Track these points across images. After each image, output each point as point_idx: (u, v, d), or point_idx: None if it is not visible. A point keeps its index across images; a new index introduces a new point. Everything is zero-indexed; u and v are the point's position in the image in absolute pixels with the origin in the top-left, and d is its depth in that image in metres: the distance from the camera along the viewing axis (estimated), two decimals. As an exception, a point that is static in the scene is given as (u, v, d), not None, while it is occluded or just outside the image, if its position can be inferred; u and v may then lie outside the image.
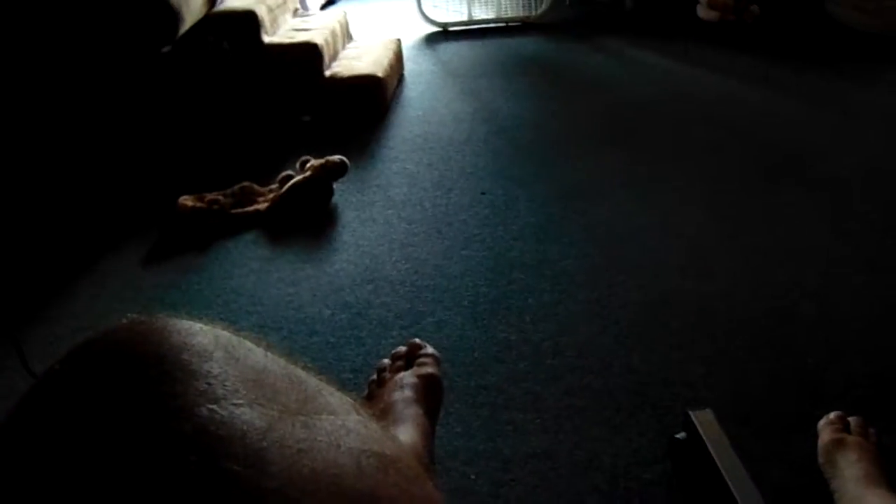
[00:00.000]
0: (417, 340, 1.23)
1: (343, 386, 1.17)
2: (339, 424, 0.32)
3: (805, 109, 2.83)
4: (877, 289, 1.70)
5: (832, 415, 1.26)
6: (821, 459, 1.21)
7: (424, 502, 0.31)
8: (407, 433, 1.02)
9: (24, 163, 2.30)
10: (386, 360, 1.21)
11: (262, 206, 2.20)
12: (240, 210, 2.19)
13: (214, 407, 0.28)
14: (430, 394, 1.13)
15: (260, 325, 1.70)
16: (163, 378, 0.29)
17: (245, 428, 0.27)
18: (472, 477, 1.28)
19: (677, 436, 1.26)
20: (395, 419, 1.05)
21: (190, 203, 2.16)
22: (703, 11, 3.93)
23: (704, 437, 1.19)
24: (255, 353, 0.34)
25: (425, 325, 1.66)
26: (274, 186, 2.26)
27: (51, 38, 2.35)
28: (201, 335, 0.34)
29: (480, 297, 1.75)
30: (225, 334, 0.35)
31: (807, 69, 3.24)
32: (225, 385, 0.29)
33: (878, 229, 1.96)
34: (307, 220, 2.14)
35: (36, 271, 1.98)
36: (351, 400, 0.37)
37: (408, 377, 1.13)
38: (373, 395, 1.15)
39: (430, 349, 1.20)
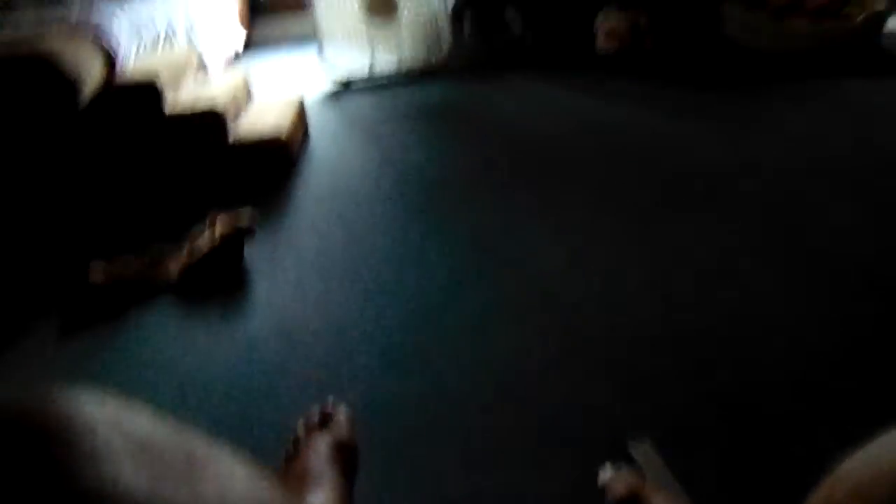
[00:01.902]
0: (330, 402, 1.25)
1: (263, 445, 1.19)
2: (226, 486, 0.33)
3: (706, 129, 2.96)
4: (786, 305, 1.77)
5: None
6: None
7: None
8: (324, 496, 1.04)
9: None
10: (300, 429, 1.23)
11: (174, 269, 2.20)
12: (153, 274, 2.19)
13: (99, 471, 0.30)
14: (345, 455, 1.16)
15: (179, 392, 1.69)
16: (50, 446, 0.31)
17: (128, 491, 0.29)
18: (398, 524, 1.30)
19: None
20: (311, 483, 1.07)
21: (101, 269, 2.15)
22: (601, 42, 4.06)
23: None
24: (142, 420, 0.36)
25: (342, 376, 1.67)
26: (185, 246, 2.27)
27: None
28: (88, 404, 0.35)
29: (395, 344, 1.78)
30: (112, 402, 0.37)
31: (707, 91, 3.41)
32: (109, 451, 0.31)
33: (784, 244, 2.04)
34: (220, 283, 2.15)
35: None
36: (250, 464, 0.39)
37: (322, 440, 1.15)
38: (290, 460, 1.17)
39: (342, 409, 1.23)
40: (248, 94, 3.38)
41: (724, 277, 1.92)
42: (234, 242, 2.22)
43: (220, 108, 2.87)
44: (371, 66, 4.08)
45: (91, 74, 2.57)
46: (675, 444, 1.36)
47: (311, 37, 4.11)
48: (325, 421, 1.21)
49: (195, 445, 0.35)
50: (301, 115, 3.32)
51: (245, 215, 2.23)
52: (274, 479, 0.39)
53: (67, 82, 2.46)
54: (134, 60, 2.93)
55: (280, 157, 2.91)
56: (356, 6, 4.02)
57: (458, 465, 1.40)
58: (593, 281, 1.97)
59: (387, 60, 4.11)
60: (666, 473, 1.25)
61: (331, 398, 1.37)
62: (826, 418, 1.39)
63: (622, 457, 1.32)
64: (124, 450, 0.32)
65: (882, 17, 3.76)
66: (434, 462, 1.42)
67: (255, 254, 2.27)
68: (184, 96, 3.01)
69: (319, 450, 1.13)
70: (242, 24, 4.80)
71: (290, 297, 2.04)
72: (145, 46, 3.09)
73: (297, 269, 2.17)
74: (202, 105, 2.88)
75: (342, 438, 1.17)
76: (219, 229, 2.22)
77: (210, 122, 2.85)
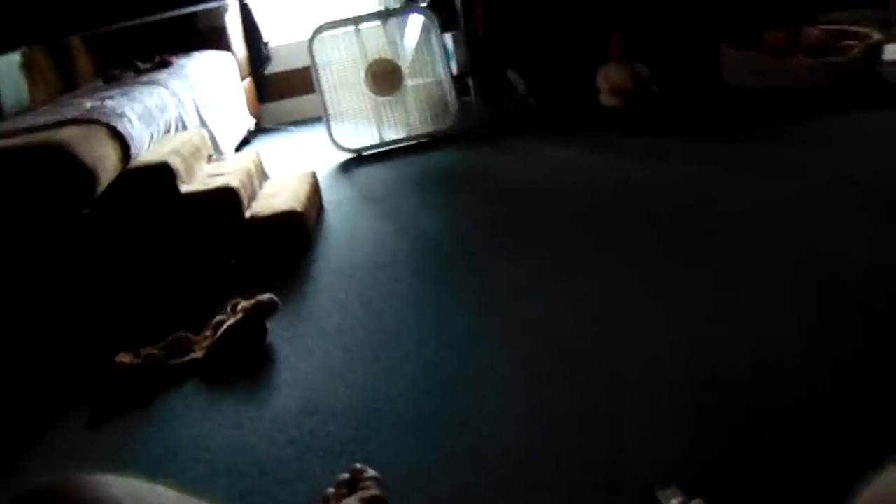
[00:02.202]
0: (359, 465, 1.27)
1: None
2: None
3: (714, 175, 2.99)
4: (804, 346, 1.78)
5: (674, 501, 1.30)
6: None
7: None
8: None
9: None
10: (330, 490, 1.24)
11: (198, 354, 2.23)
12: (177, 361, 2.22)
13: None
14: None
15: (209, 473, 1.71)
16: None
17: None
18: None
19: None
20: None
21: (127, 360, 2.18)
22: (605, 99, 4.12)
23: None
24: (166, 498, 0.38)
25: (371, 448, 1.69)
26: (208, 333, 2.30)
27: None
28: (113, 486, 0.38)
29: (422, 412, 1.79)
30: (136, 483, 0.39)
31: (713, 137, 3.45)
32: None
33: (789, 283, 2.06)
34: (244, 363, 2.18)
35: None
36: None
37: (353, 502, 1.17)
38: None
39: (371, 472, 1.24)
40: (262, 173, 3.44)
41: (740, 321, 1.93)
42: (256, 318, 2.24)
43: (234, 184, 2.92)
44: (380, 137, 4.14)
45: (106, 161, 2.62)
46: (701, 488, 1.37)
47: (318, 115, 4.17)
48: (355, 483, 1.23)
49: None
50: (315, 189, 3.37)
51: (266, 297, 2.26)
52: None
53: (84, 170, 2.51)
54: (148, 146, 2.99)
55: (296, 230, 2.95)
56: (361, 84, 4.09)
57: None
58: (608, 333, 1.98)
59: (395, 130, 4.17)
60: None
61: (358, 464, 1.39)
62: (848, 457, 1.39)
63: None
64: None
65: (878, 48, 3.80)
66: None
67: (277, 332, 2.30)
68: (198, 177, 3.06)
69: None
70: (251, 107, 4.89)
71: (314, 373, 2.06)
72: (159, 132, 3.16)
73: (319, 345, 2.20)
74: (217, 183, 2.93)
75: (372, 499, 1.18)
76: (241, 307, 2.25)
77: (225, 199, 2.89)
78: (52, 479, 0.37)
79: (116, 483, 0.37)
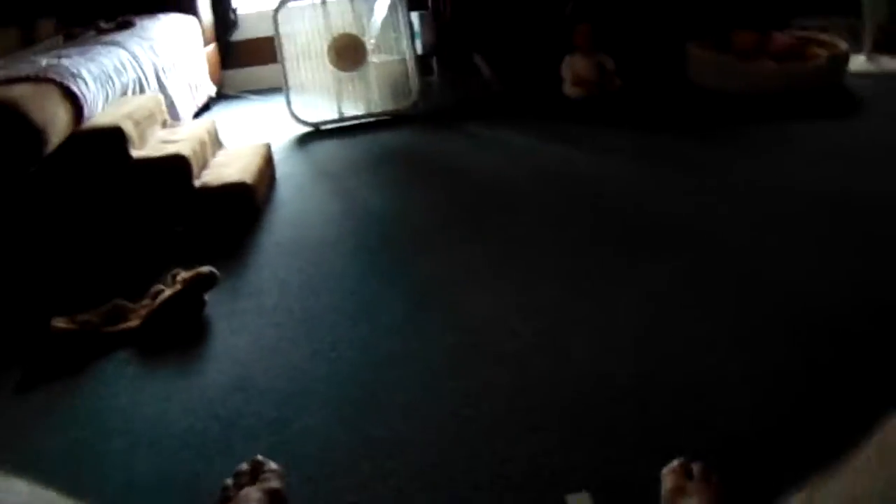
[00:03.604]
0: (260, 457, 1.28)
1: (210, 499, 1.22)
2: None
3: (670, 176, 3.03)
4: (738, 354, 1.82)
5: (675, 462, 1.34)
6: None
7: None
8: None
9: None
10: (229, 480, 1.26)
11: (134, 323, 2.23)
12: (112, 328, 2.21)
13: None
14: None
15: (131, 443, 1.72)
16: None
17: None
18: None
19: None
20: None
21: (62, 325, 2.18)
22: (568, 89, 4.14)
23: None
24: (18, 492, 0.39)
25: (294, 430, 1.71)
26: (146, 302, 2.30)
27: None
28: None
29: (347, 397, 1.81)
30: (20, 487, 0.40)
31: (672, 136, 3.50)
32: None
33: (743, 291, 2.10)
34: (179, 334, 2.18)
35: None
36: None
37: (252, 493, 1.18)
38: None
39: (272, 464, 1.26)
40: (216, 142, 3.42)
41: (675, 325, 1.96)
42: (195, 291, 2.25)
43: (186, 152, 2.91)
44: (339, 112, 4.13)
45: (57, 121, 2.60)
46: (613, 497, 1.40)
47: (280, 86, 4.15)
48: (255, 474, 1.24)
49: None
50: (268, 161, 3.37)
51: (206, 269, 2.26)
52: None
53: (33, 129, 2.49)
54: (102, 108, 2.96)
55: (245, 203, 2.95)
56: (324, 56, 4.08)
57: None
58: (541, 330, 2.01)
59: (355, 106, 4.16)
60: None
61: (259, 456, 1.41)
62: (781, 466, 1.43)
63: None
64: None
65: (845, 58, 3.84)
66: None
67: (215, 305, 2.30)
68: (152, 142, 3.05)
69: (250, 498, 1.16)
70: (213, 74, 4.85)
71: (246, 349, 2.07)
72: (115, 94, 3.13)
73: (255, 321, 2.21)
74: (168, 150, 2.92)
75: (272, 491, 1.20)
76: (180, 278, 2.26)
77: (176, 167, 2.88)
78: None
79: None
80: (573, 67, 4.12)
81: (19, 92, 2.57)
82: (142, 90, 3.48)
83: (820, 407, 1.60)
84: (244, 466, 1.27)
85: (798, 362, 1.76)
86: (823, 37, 4.08)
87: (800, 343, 1.83)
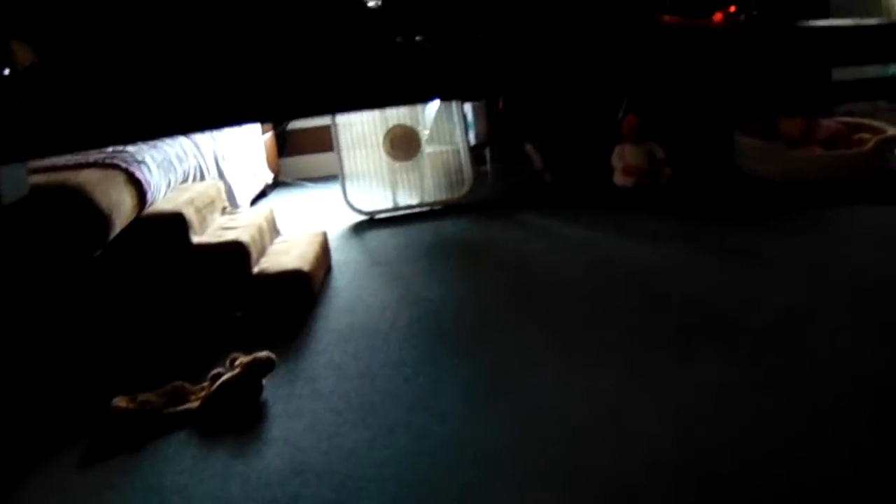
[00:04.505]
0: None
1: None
2: None
3: (720, 264, 3.05)
4: (791, 438, 1.81)
5: None
6: None
7: None
8: None
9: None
10: None
11: (193, 404, 2.27)
12: (172, 409, 2.26)
13: None
14: None
15: (191, 526, 1.75)
16: None
17: None
18: None
19: None
20: None
21: (123, 405, 2.23)
22: (619, 178, 4.17)
23: None
24: None
25: (351, 516, 1.73)
26: (205, 384, 2.34)
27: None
28: None
29: (404, 483, 1.82)
30: None
31: (721, 224, 3.52)
32: None
33: (794, 375, 2.10)
34: (237, 417, 2.22)
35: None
36: None
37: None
38: None
39: None
40: (274, 229, 3.50)
41: (730, 413, 1.96)
42: (253, 375, 2.29)
43: (245, 239, 2.98)
44: (394, 202, 4.21)
45: (122, 207, 2.68)
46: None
47: (335, 174, 4.24)
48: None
49: None
50: (324, 249, 3.43)
51: (263, 355, 2.31)
52: None
53: (99, 214, 2.56)
54: (164, 194, 3.05)
55: (302, 290, 3.00)
56: (379, 146, 4.17)
57: None
58: (604, 419, 2.01)
59: (409, 196, 4.23)
60: None
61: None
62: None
63: None
64: None
65: (893, 143, 3.84)
66: None
67: (272, 389, 2.34)
68: (211, 229, 3.13)
69: None
70: (270, 161, 4.97)
71: (303, 433, 2.09)
72: (177, 180, 3.22)
73: (312, 406, 2.23)
74: (228, 236, 2.99)
75: None
76: (239, 362, 2.30)
77: (235, 253, 2.94)
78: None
79: None
80: (623, 157, 4.16)
81: (86, 177, 2.65)
82: (202, 177, 3.58)
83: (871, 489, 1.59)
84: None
85: (862, 442, 1.75)
86: (870, 121, 4.09)
87: (851, 426, 1.83)
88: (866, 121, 4.12)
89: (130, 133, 1.21)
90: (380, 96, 1.23)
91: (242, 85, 1.13)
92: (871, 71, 4.53)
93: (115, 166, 2.82)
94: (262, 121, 4.30)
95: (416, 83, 1.18)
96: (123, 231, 2.73)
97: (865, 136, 3.92)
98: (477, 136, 4.56)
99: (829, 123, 4.03)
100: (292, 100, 1.16)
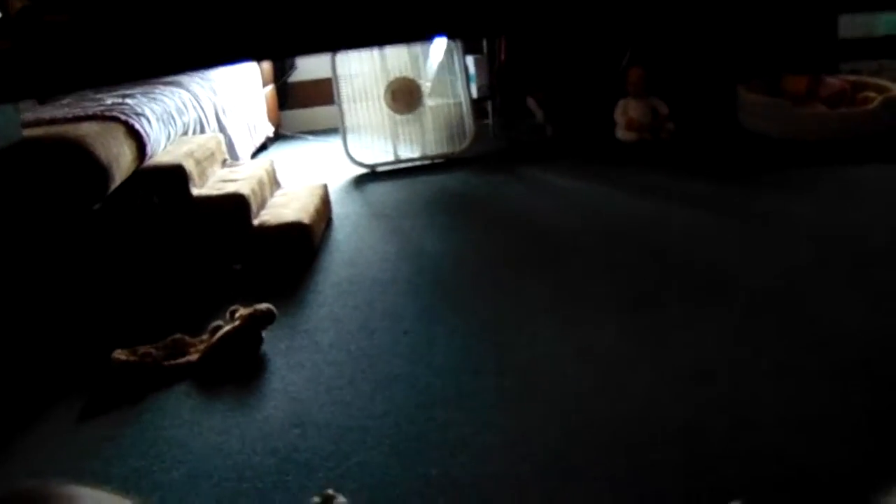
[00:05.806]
0: (331, 490, 1.30)
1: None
2: None
3: (721, 222, 3.04)
4: (788, 400, 1.82)
5: None
6: None
7: None
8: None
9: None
10: None
11: (193, 357, 2.27)
12: (172, 362, 2.26)
13: None
14: None
15: (189, 474, 1.76)
16: None
17: None
18: None
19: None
20: None
21: (123, 357, 2.23)
22: (621, 133, 4.15)
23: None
24: None
25: (350, 465, 1.73)
26: (205, 337, 2.35)
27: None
28: (84, 499, 0.42)
29: (402, 434, 1.83)
30: (105, 495, 0.43)
31: (723, 181, 3.51)
32: None
33: (791, 338, 2.09)
34: (237, 370, 2.22)
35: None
36: None
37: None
38: None
39: (341, 498, 1.28)
40: (274, 181, 3.48)
41: (727, 371, 1.96)
42: (253, 327, 2.29)
43: (245, 191, 2.97)
44: (395, 154, 4.19)
45: (121, 159, 2.67)
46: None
47: (337, 127, 4.22)
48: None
49: None
50: (325, 202, 3.42)
51: (263, 307, 2.31)
52: None
53: (98, 167, 2.55)
54: (164, 146, 3.04)
55: (302, 242, 2.99)
56: (380, 98, 4.14)
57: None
58: (597, 374, 2.02)
59: (410, 148, 4.21)
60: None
61: (330, 489, 1.43)
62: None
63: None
64: None
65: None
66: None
67: (272, 341, 2.34)
68: (212, 181, 3.11)
69: None
70: (271, 114, 4.94)
71: (303, 385, 2.10)
72: (176, 133, 3.21)
73: (312, 358, 2.24)
74: (228, 189, 2.98)
75: None
76: (239, 314, 2.30)
77: (235, 206, 2.94)
78: (26, 486, 0.41)
79: (88, 496, 0.41)
80: (626, 111, 4.13)
81: (85, 130, 2.64)
82: (202, 130, 3.56)
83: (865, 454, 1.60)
84: (316, 500, 1.29)
85: (857, 408, 1.75)
86: (876, 80, 4.05)
87: (848, 388, 1.83)
88: (872, 79, 4.08)
89: (124, 73, 1.19)
90: (382, 32, 1.19)
91: (238, 20, 1.10)
92: (880, 28, 4.49)
93: (115, 119, 2.81)
94: (260, 58, 4.25)
95: (420, 18, 1.14)
96: (123, 183, 2.72)
97: (871, 94, 3.88)
98: (479, 90, 4.53)
99: (833, 81, 4.00)
100: (290, 35, 1.13)
